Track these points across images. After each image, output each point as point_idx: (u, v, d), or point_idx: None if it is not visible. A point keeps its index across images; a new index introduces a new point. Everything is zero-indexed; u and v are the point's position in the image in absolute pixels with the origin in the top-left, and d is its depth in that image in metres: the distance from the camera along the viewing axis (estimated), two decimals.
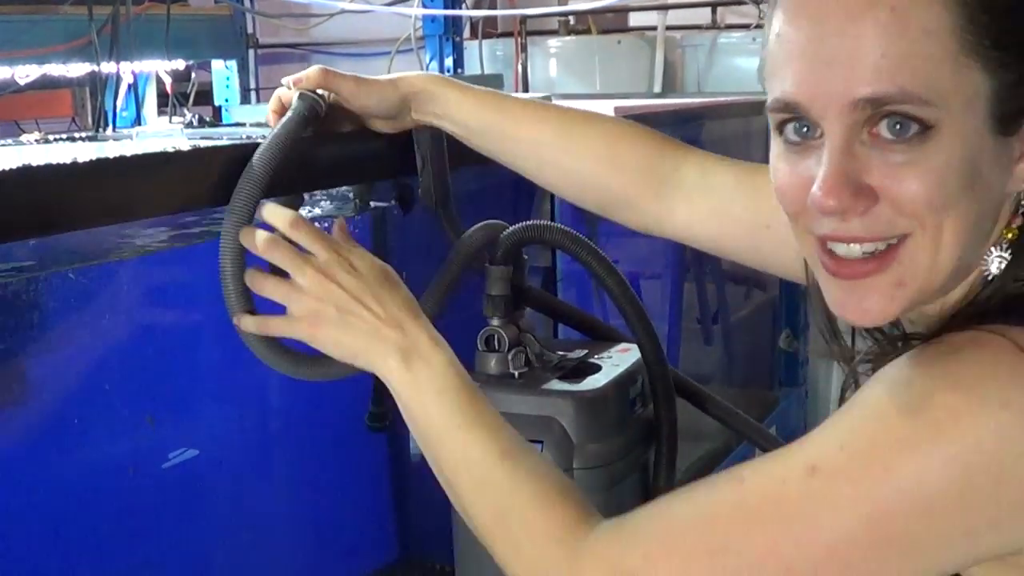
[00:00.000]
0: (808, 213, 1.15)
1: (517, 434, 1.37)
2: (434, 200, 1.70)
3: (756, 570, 1.13)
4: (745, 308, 4.39)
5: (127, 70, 2.87)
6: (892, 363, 1.14)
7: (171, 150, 1.42)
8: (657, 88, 6.20)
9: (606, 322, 2.00)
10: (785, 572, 1.12)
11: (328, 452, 2.51)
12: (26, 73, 2.81)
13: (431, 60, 4.64)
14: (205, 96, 4.10)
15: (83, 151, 1.46)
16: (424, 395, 1.38)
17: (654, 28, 6.38)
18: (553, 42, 6.51)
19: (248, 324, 1.48)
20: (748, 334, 4.38)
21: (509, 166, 1.69)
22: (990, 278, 1.17)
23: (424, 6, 4.61)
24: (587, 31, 6.81)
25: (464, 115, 1.66)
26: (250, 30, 4.57)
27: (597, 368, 1.76)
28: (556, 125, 1.67)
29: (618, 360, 1.81)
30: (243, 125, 2.37)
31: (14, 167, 1.21)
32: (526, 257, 1.78)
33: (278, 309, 1.44)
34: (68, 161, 1.24)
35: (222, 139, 1.68)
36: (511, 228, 1.73)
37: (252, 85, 4.48)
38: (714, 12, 6.64)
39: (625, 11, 7.02)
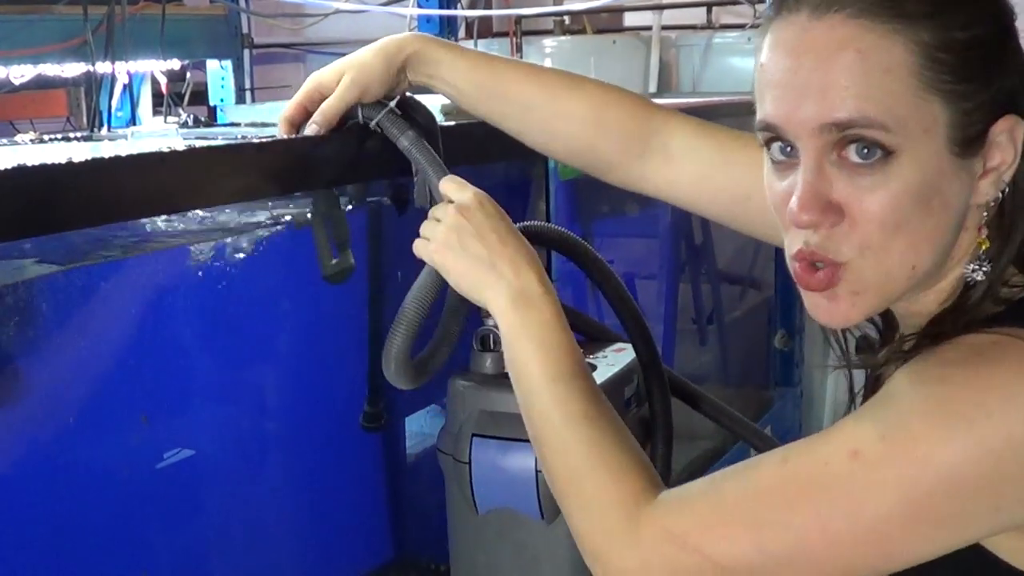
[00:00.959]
0: (791, 230, 1.28)
1: (604, 398, 1.45)
2: (428, 202, 1.70)
3: (799, 543, 1.23)
4: (740, 308, 4.39)
5: (122, 70, 2.87)
6: (917, 360, 1.24)
7: (166, 150, 1.42)
8: (652, 88, 6.20)
9: (601, 322, 2.00)
10: (827, 546, 1.22)
11: (323, 452, 2.51)
12: (21, 73, 2.80)
13: None
14: (200, 96, 4.09)
15: (78, 151, 1.46)
16: (527, 341, 1.46)
17: (649, 28, 6.36)
18: (548, 42, 6.50)
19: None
20: (743, 334, 4.39)
21: (498, 126, 1.75)
22: (972, 283, 1.29)
23: (419, 6, 4.60)
24: (582, 31, 6.80)
25: (456, 76, 1.71)
26: (245, 30, 4.56)
27: (592, 368, 1.76)
28: (545, 88, 1.73)
29: (613, 360, 1.81)
30: (238, 125, 2.37)
31: (9, 167, 1.21)
32: None
33: None
34: (63, 161, 1.24)
35: (217, 139, 1.69)
36: None
37: (247, 85, 4.47)
38: (709, 12, 6.63)
39: (620, 11, 7.02)
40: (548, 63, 6.32)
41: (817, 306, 1.29)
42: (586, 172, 1.78)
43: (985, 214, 1.28)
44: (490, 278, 1.50)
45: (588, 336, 1.94)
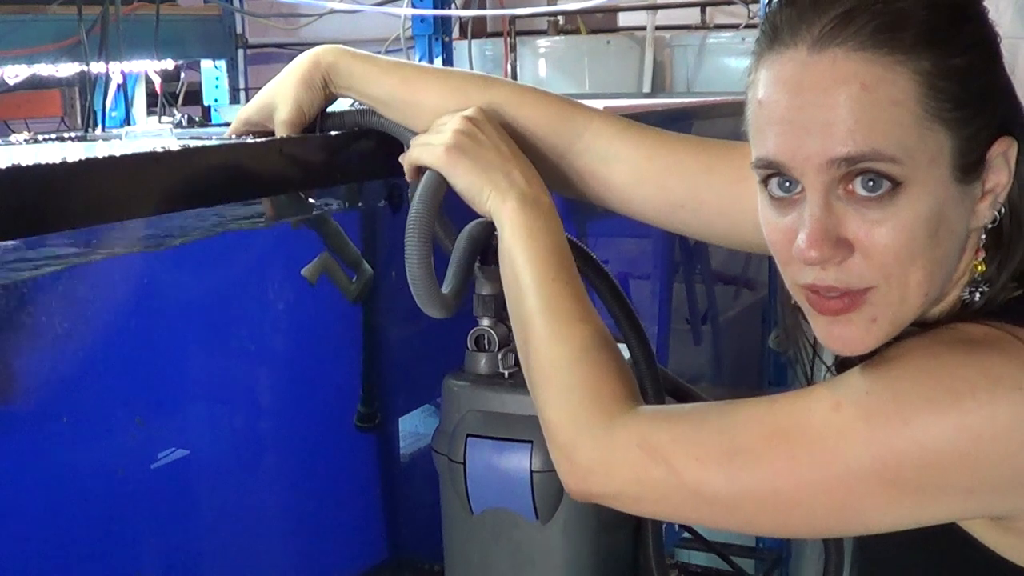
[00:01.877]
0: (794, 263, 1.27)
1: (592, 308, 1.48)
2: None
3: (767, 480, 1.25)
4: (734, 308, 4.40)
5: (116, 70, 2.87)
6: (910, 338, 1.26)
7: (160, 150, 1.42)
8: (646, 88, 6.21)
9: None
10: (793, 488, 1.24)
11: (317, 452, 2.51)
12: (15, 73, 2.81)
13: (420, 60, 4.64)
14: (194, 96, 4.10)
15: (72, 151, 1.46)
16: (531, 241, 1.48)
17: (643, 28, 6.38)
18: (542, 42, 6.52)
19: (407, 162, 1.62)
20: (737, 334, 4.39)
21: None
22: (971, 302, 1.30)
23: (413, 6, 4.61)
24: (576, 31, 6.82)
25: (369, 87, 1.68)
26: (239, 30, 4.57)
27: None
28: (456, 90, 1.68)
29: None
30: None
31: (3, 167, 1.21)
32: None
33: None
34: (57, 161, 1.24)
35: (211, 139, 1.68)
36: None
37: (241, 85, 4.48)
38: (703, 12, 6.65)
39: (614, 11, 7.03)
40: (542, 63, 6.34)
41: (830, 333, 1.28)
42: None
43: (983, 236, 1.28)
44: (502, 182, 1.51)
45: None
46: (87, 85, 2.72)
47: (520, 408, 1.65)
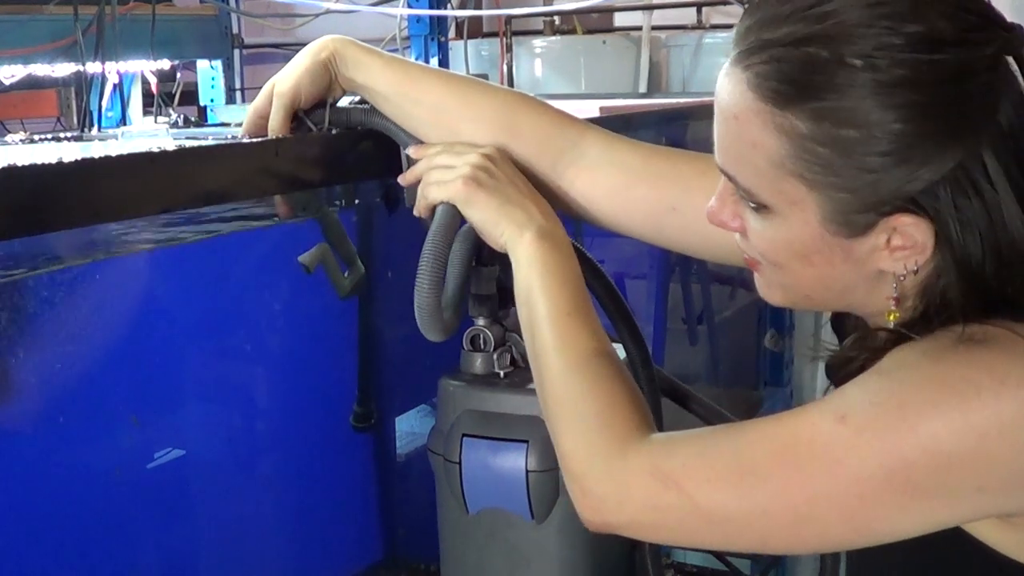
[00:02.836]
0: None
1: (608, 342, 1.48)
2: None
3: (778, 496, 1.25)
4: (730, 308, 4.40)
5: (112, 70, 2.87)
6: (909, 343, 1.25)
7: (156, 150, 1.42)
8: (642, 88, 6.21)
9: None
10: (804, 502, 1.23)
11: (313, 452, 2.51)
12: (11, 73, 2.81)
13: (416, 60, 4.64)
14: (191, 96, 4.10)
15: (68, 151, 1.46)
16: (547, 274, 1.49)
17: (639, 28, 6.38)
18: (538, 42, 6.51)
19: (409, 177, 1.64)
20: (733, 334, 4.39)
21: (408, 130, 1.69)
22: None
23: (409, 6, 4.60)
24: (572, 31, 6.81)
25: (371, 79, 1.67)
26: (235, 30, 4.57)
27: None
28: (457, 91, 1.69)
29: None
30: (228, 125, 2.37)
31: None
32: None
33: None
34: (53, 161, 1.24)
35: (207, 139, 1.68)
36: None
37: (237, 85, 4.48)
38: (699, 12, 6.65)
39: (610, 11, 7.02)
40: (538, 63, 6.33)
41: (755, 278, 1.38)
42: None
43: (894, 285, 1.27)
44: (520, 216, 1.52)
45: None
46: (83, 85, 2.72)
47: (516, 408, 1.65)
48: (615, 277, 1.83)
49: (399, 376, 2.68)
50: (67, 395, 1.93)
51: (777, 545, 1.33)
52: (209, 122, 2.57)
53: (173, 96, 3.72)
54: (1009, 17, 1.24)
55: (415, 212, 1.62)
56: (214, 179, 1.48)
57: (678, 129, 3.35)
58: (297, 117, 1.67)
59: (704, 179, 1.57)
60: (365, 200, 2.47)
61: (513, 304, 1.78)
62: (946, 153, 1.18)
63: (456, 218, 1.56)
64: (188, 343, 2.17)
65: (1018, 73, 1.22)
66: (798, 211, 1.24)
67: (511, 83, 5.66)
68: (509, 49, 5.89)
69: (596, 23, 7.13)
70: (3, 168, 1.20)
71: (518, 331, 1.76)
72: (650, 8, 6.44)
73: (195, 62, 4.00)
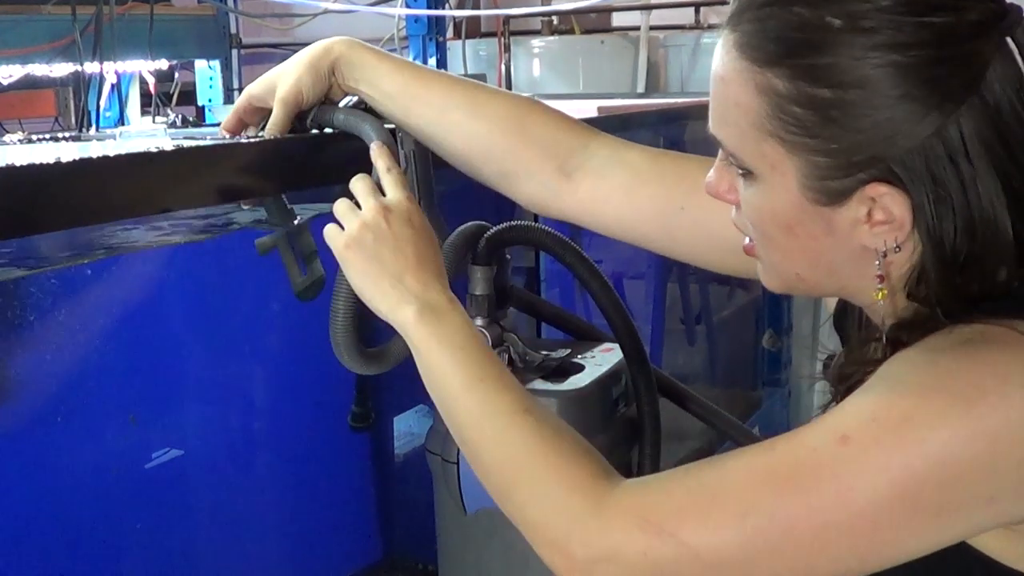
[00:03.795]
0: None
1: (532, 395, 1.40)
2: (418, 199, 1.70)
3: (786, 532, 1.18)
4: (728, 308, 4.40)
5: (110, 70, 2.87)
6: (906, 350, 1.21)
7: (154, 150, 1.42)
8: (640, 88, 6.20)
9: (589, 322, 2.00)
10: (814, 535, 1.17)
11: (311, 452, 2.51)
12: (9, 73, 2.80)
13: (414, 60, 4.64)
14: (188, 96, 4.09)
15: (66, 151, 1.46)
16: (442, 348, 1.40)
17: (637, 28, 6.37)
18: (536, 42, 6.51)
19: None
20: (731, 334, 4.39)
21: (415, 133, 1.68)
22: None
23: (407, 6, 4.60)
24: (570, 31, 6.81)
25: (379, 80, 1.66)
26: (233, 30, 4.55)
27: (580, 368, 1.77)
28: (466, 92, 1.68)
29: (601, 360, 1.81)
30: None
31: None
32: (509, 257, 1.79)
33: None
34: (51, 161, 1.24)
35: (205, 139, 1.68)
36: (495, 228, 1.73)
37: (235, 85, 4.46)
38: (697, 12, 6.65)
39: (608, 11, 7.02)
40: (536, 63, 6.33)
41: (757, 266, 1.35)
42: (499, 186, 1.69)
43: (877, 262, 1.24)
44: (395, 292, 1.43)
45: (576, 336, 1.95)
46: (81, 85, 2.72)
47: None
48: (613, 277, 1.84)
49: (397, 376, 2.67)
50: (64, 395, 1.93)
51: None
52: (207, 122, 2.56)
53: (171, 96, 3.71)
54: None
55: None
56: (213, 179, 1.48)
57: (676, 129, 3.36)
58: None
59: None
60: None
61: (510, 304, 1.79)
62: (924, 119, 1.15)
63: None
64: (185, 343, 2.17)
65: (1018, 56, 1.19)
66: (779, 176, 1.23)
67: (509, 83, 5.66)
68: (507, 49, 5.88)
69: (594, 23, 7.12)
70: (1, 168, 1.21)
71: (516, 331, 1.77)
72: (648, 8, 6.44)
73: (193, 62, 3.99)
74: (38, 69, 2.83)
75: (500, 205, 1.77)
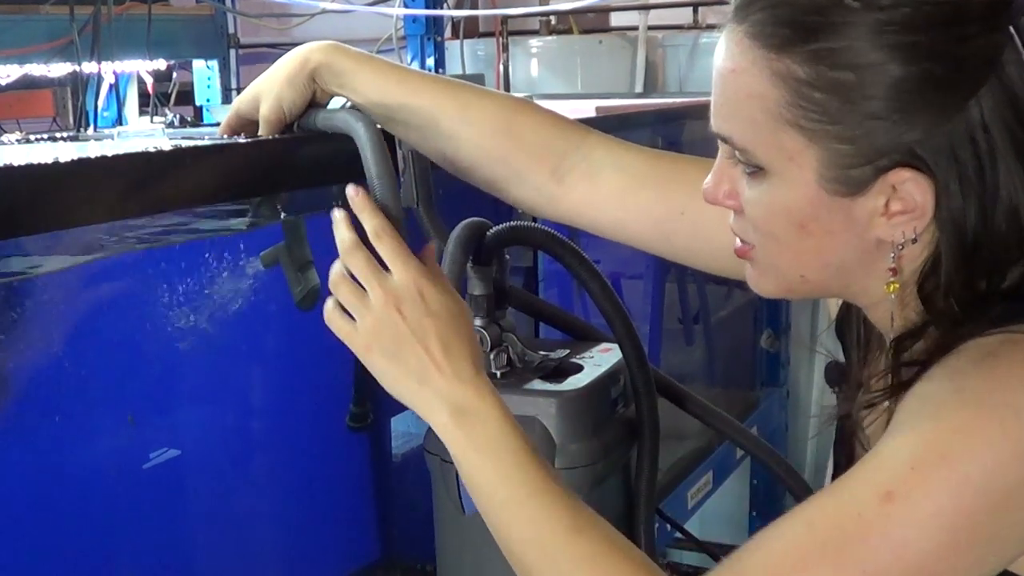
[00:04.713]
0: None
1: (581, 501, 1.33)
2: (416, 200, 1.70)
3: None
4: (726, 308, 4.40)
5: (108, 70, 2.87)
6: (924, 381, 1.18)
7: (152, 150, 1.42)
8: (639, 88, 6.20)
9: (588, 322, 2.00)
10: None
11: (309, 452, 2.51)
12: (7, 73, 2.81)
13: (412, 60, 4.64)
14: (186, 96, 4.10)
15: (64, 151, 1.46)
16: (482, 457, 1.33)
17: (635, 28, 6.37)
18: (534, 42, 6.50)
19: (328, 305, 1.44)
20: (729, 334, 4.39)
21: (401, 137, 1.66)
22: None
23: (405, 6, 4.60)
24: (568, 31, 6.81)
25: (363, 85, 1.62)
26: (231, 30, 4.56)
27: (579, 368, 1.76)
28: (454, 95, 1.64)
29: (600, 360, 1.81)
30: None
31: None
32: (508, 257, 1.78)
33: None
34: (49, 161, 1.24)
35: (203, 139, 1.68)
36: (495, 229, 1.73)
37: (234, 85, 4.47)
38: (695, 12, 6.64)
39: (606, 11, 7.02)
40: (534, 63, 6.33)
41: (745, 270, 1.35)
42: (492, 191, 1.68)
43: (892, 255, 1.23)
44: (424, 395, 1.37)
45: (575, 336, 1.95)
46: (79, 85, 2.72)
47: (512, 408, 1.65)
48: (611, 277, 1.83)
49: None
50: (62, 395, 1.93)
51: None
52: (205, 122, 2.56)
53: (169, 96, 3.72)
54: None
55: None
56: (211, 179, 1.48)
57: (675, 129, 3.35)
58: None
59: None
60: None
61: (509, 304, 1.79)
62: (946, 101, 1.15)
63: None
64: (183, 344, 2.17)
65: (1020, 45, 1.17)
66: (795, 169, 1.20)
67: (507, 83, 5.66)
68: (505, 49, 5.88)
69: (592, 23, 7.12)
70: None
71: (515, 331, 1.77)
72: (646, 8, 6.44)
73: (191, 62, 4.00)
74: (36, 69, 2.83)
75: (499, 205, 1.76)
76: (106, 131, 2.46)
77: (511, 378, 1.71)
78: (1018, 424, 1.10)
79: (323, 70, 1.61)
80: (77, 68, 2.73)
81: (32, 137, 1.93)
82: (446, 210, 1.77)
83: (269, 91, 1.63)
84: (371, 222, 1.39)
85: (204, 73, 4.04)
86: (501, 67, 5.75)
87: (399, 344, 1.36)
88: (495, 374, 1.71)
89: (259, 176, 1.60)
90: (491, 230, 1.73)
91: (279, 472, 2.44)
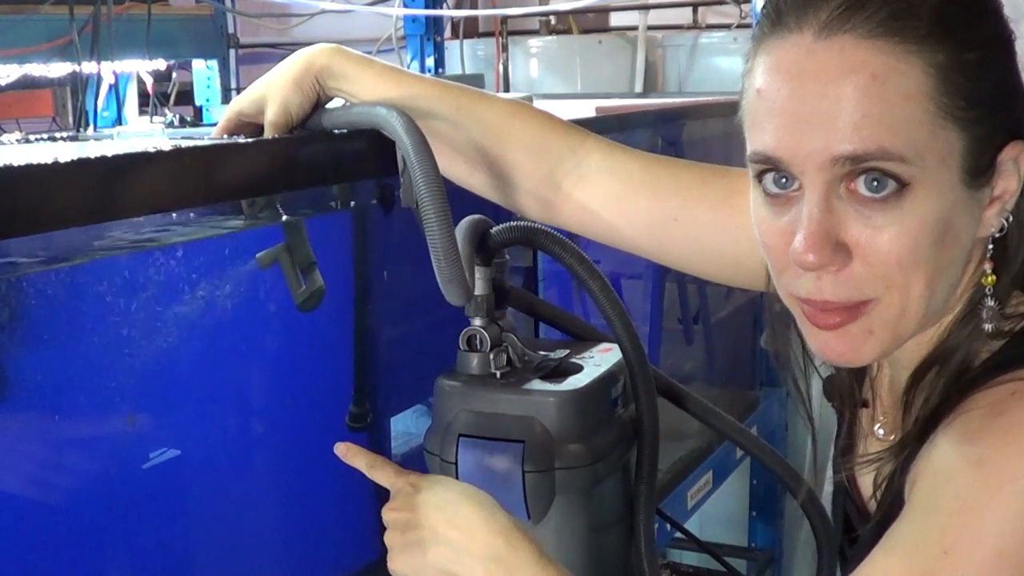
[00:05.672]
0: (790, 269, 1.18)
1: None
2: (415, 200, 1.70)
3: None
4: (726, 308, 4.39)
5: (108, 70, 2.87)
6: (940, 451, 1.15)
7: (152, 150, 1.42)
8: (638, 88, 6.21)
9: (588, 322, 2.00)
10: None
11: (309, 452, 2.51)
12: (7, 73, 2.81)
13: (412, 60, 4.64)
14: (186, 96, 4.10)
15: (64, 151, 1.46)
16: None
17: (635, 28, 6.38)
18: (534, 42, 6.51)
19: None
20: (729, 334, 4.38)
21: (398, 142, 1.66)
22: (987, 328, 1.20)
23: (405, 6, 4.61)
24: (568, 31, 6.82)
25: (362, 90, 1.63)
26: (231, 30, 4.56)
27: (579, 368, 1.76)
28: (451, 100, 1.64)
29: (600, 360, 1.81)
30: None
31: None
32: (507, 257, 1.78)
33: None
34: (49, 161, 1.24)
35: (203, 139, 1.68)
36: (495, 229, 1.73)
37: (233, 85, 4.47)
38: (695, 12, 6.65)
39: (606, 11, 7.03)
40: (534, 63, 6.34)
41: (827, 344, 1.21)
42: (489, 195, 1.69)
43: (990, 247, 1.21)
44: (464, 562, 1.38)
45: (574, 336, 1.94)
46: (79, 85, 2.72)
47: (512, 408, 1.65)
48: (611, 276, 1.83)
49: (395, 376, 2.67)
50: (62, 395, 1.92)
51: None
52: (205, 122, 2.56)
53: (169, 96, 3.72)
54: (1007, 11, 1.22)
55: None
56: (211, 179, 1.48)
57: (674, 129, 3.35)
58: None
59: (705, 188, 1.53)
60: (361, 200, 2.46)
61: (509, 304, 1.79)
62: None
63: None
64: (182, 344, 2.17)
65: None
66: (944, 171, 1.13)
67: (507, 83, 5.66)
68: (505, 49, 5.90)
69: (592, 23, 7.13)
70: None
71: (515, 331, 1.77)
72: (646, 8, 6.44)
73: (191, 62, 4.00)
74: (36, 69, 2.84)
75: (498, 206, 1.76)
76: (106, 131, 2.46)
77: (511, 378, 1.71)
78: None
79: (325, 73, 1.63)
80: (77, 68, 2.74)
81: (32, 137, 1.93)
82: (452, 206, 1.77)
83: (275, 94, 1.63)
84: (362, 462, 1.57)
85: (204, 73, 4.04)
86: (501, 67, 5.76)
87: (420, 544, 1.41)
88: (495, 374, 1.71)
89: (260, 176, 1.60)
90: (492, 230, 1.73)
91: (279, 472, 2.43)
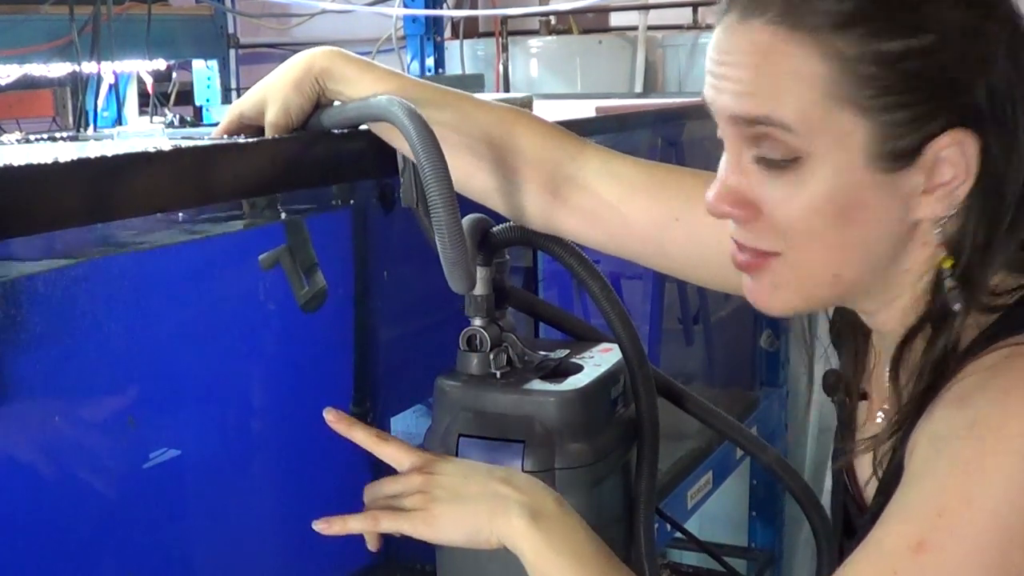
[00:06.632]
0: None
1: None
2: (415, 200, 1.70)
3: None
4: (726, 308, 4.39)
5: (108, 70, 2.87)
6: (933, 420, 1.18)
7: (152, 150, 1.42)
8: (638, 88, 6.21)
9: (588, 322, 2.00)
10: None
11: (309, 452, 2.51)
12: (7, 73, 2.81)
13: (412, 60, 4.64)
14: (186, 96, 4.10)
15: (64, 151, 1.46)
16: (561, 558, 1.35)
17: (635, 28, 6.38)
18: (534, 42, 6.51)
19: (355, 525, 1.59)
20: (729, 334, 4.39)
21: (397, 145, 1.66)
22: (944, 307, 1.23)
23: (405, 6, 4.61)
24: (568, 31, 6.81)
25: (362, 92, 1.62)
26: (231, 30, 4.56)
27: (579, 368, 1.76)
28: (451, 105, 1.64)
29: (600, 360, 1.81)
30: None
31: None
32: (507, 257, 1.78)
33: None
34: (49, 161, 1.24)
35: (203, 139, 1.68)
36: (495, 229, 1.73)
37: (233, 85, 4.47)
38: (695, 12, 6.64)
39: (606, 11, 7.02)
40: (534, 63, 6.33)
41: (746, 286, 1.32)
42: (488, 201, 1.69)
43: (938, 231, 1.23)
44: (496, 505, 1.39)
45: (575, 336, 1.94)
46: (79, 85, 2.72)
47: (512, 408, 1.65)
48: (611, 276, 1.83)
49: (395, 376, 2.68)
50: (62, 396, 1.93)
51: None
52: (205, 122, 2.56)
53: (169, 96, 3.72)
54: None
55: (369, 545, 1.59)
56: (211, 179, 1.48)
57: (674, 129, 3.35)
58: None
59: (707, 189, 1.54)
60: (360, 200, 2.46)
61: (509, 304, 1.79)
62: (985, 53, 1.17)
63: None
64: (182, 344, 2.17)
65: None
66: (843, 152, 1.19)
67: (507, 83, 5.66)
68: (505, 49, 5.89)
69: (592, 23, 7.12)
70: None
71: (514, 331, 1.77)
72: (646, 8, 6.44)
73: (191, 62, 4.00)
74: (36, 69, 2.84)
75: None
76: (106, 131, 2.46)
77: (511, 378, 1.71)
78: None
79: (325, 75, 1.63)
80: (77, 68, 2.73)
81: (32, 137, 1.93)
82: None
83: (275, 96, 1.64)
84: (359, 436, 1.59)
85: (204, 73, 4.04)
86: (501, 67, 5.75)
87: (452, 485, 1.43)
88: (495, 374, 1.71)
89: (260, 176, 1.60)
90: (492, 229, 1.73)
91: (279, 472, 2.44)
